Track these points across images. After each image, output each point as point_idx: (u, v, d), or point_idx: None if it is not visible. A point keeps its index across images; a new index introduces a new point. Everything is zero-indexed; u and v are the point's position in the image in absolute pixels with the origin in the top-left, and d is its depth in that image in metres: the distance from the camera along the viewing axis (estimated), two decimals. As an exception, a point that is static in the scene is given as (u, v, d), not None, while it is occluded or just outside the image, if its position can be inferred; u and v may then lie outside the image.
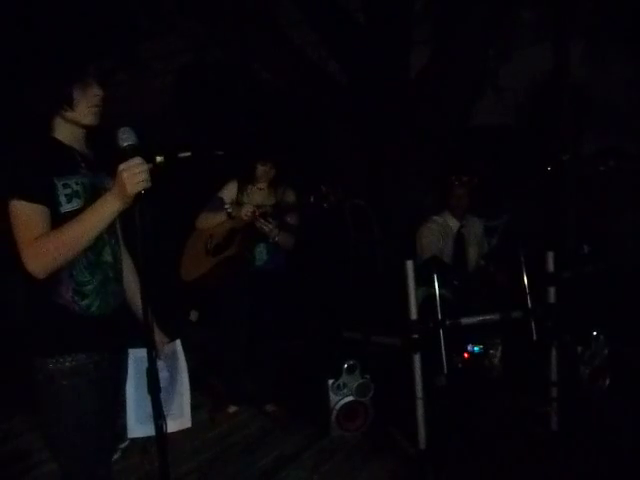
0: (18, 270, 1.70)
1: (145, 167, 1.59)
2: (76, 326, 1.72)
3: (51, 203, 1.65)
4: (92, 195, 1.73)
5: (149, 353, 1.65)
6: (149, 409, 1.67)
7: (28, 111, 1.77)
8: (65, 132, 1.75)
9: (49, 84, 1.69)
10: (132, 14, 6.31)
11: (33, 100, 1.74)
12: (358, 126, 5.78)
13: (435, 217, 4.04)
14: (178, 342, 2.03)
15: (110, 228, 1.78)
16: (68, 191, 1.68)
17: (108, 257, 1.80)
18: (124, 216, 1.78)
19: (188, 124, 8.92)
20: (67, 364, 1.70)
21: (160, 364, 1.91)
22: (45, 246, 1.61)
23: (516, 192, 6.72)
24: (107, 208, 1.62)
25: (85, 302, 1.72)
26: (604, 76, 8.66)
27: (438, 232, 3.95)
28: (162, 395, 1.70)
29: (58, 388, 1.70)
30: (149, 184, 1.59)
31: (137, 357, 1.90)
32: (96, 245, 1.73)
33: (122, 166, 1.57)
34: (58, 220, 1.65)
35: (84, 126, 1.76)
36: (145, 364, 1.68)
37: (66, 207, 1.67)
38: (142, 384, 1.71)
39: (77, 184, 1.71)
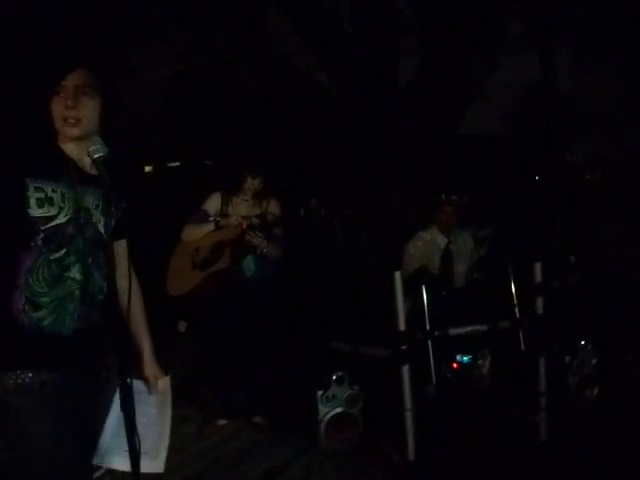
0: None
1: None
2: (23, 341, 1.60)
3: (19, 202, 1.57)
4: (73, 206, 1.65)
5: (122, 386, 1.60)
6: (124, 443, 1.61)
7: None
8: (64, 140, 1.70)
9: (29, 94, 1.70)
10: (121, 22, 6.30)
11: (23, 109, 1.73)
12: (346, 136, 5.80)
13: (422, 233, 4.07)
14: (168, 379, 1.95)
15: (88, 247, 1.69)
16: (40, 195, 1.59)
17: (77, 274, 1.67)
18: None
19: (177, 133, 8.91)
20: (11, 381, 1.58)
21: (150, 399, 1.86)
22: None
23: (503, 201, 6.77)
24: None
25: (37, 314, 1.60)
26: (589, 87, 8.78)
27: (423, 249, 3.98)
28: (142, 430, 1.64)
29: (5, 405, 1.60)
30: None
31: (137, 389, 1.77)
32: (63, 259, 1.64)
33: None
34: (26, 223, 1.58)
35: (67, 137, 1.69)
36: (139, 396, 1.65)
37: (36, 212, 1.59)
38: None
39: (54, 191, 1.62)
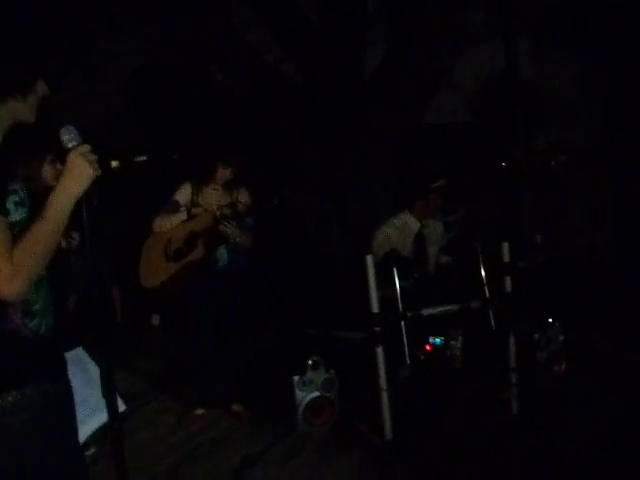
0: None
1: (95, 155, 1.58)
2: (26, 355, 1.53)
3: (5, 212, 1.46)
4: (30, 201, 1.56)
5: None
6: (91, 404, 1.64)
7: None
8: (2, 126, 1.57)
9: (7, 68, 1.55)
10: (82, 14, 6.19)
11: None
12: (314, 127, 5.83)
13: (393, 220, 4.11)
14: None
15: None
16: (16, 198, 1.50)
17: (43, 270, 1.59)
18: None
19: (143, 127, 8.80)
20: (10, 399, 1.49)
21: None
22: (22, 262, 1.42)
23: (470, 187, 6.89)
24: (66, 198, 1.52)
25: (34, 322, 1.55)
26: (553, 74, 8.95)
27: (395, 235, 4.04)
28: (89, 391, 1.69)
29: (4, 428, 1.50)
30: (100, 172, 1.58)
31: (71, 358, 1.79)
32: None
33: (76, 152, 1.55)
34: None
35: (20, 122, 1.61)
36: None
37: (14, 216, 1.48)
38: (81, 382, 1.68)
39: (22, 190, 1.52)
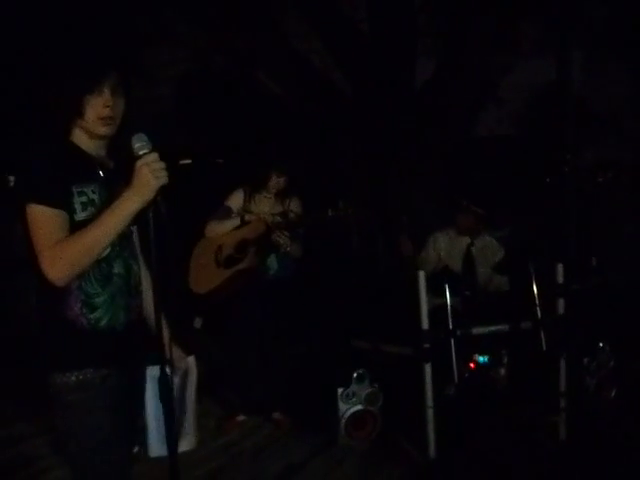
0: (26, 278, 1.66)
1: (163, 163, 1.58)
2: (84, 341, 1.66)
3: (68, 210, 1.61)
4: (107, 204, 1.67)
5: (162, 369, 1.63)
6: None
7: (48, 114, 1.72)
8: (83, 139, 1.73)
9: (62, 92, 1.67)
10: (133, 21, 6.33)
11: (51, 106, 1.71)
12: (362, 137, 5.82)
13: (438, 234, 4.09)
14: (192, 358, 2.00)
15: (123, 241, 1.74)
16: (84, 199, 1.65)
17: (120, 269, 1.74)
18: (142, 228, 1.76)
19: (189, 132, 8.93)
20: (73, 378, 1.65)
21: (176, 381, 1.90)
22: (65, 251, 1.57)
23: (517, 203, 6.76)
24: (126, 207, 1.58)
25: (94, 315, 1.67)
26: (604, 88, 8.76)
27: (443, 242, 4.00)
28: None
29: (65, 403, 1.66)
30: (167, 180, 1.58)
31: (154, 375, 1.81)
32: (108, 256, 1.70)
33: (141, 161, 1.57)
34: (72, 228, 1.61)
35: (98, 136, 1.72)
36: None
37: (81, 215, 1.64)
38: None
39: (93, 192, 1.67)
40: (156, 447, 1.89)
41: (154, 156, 1.58)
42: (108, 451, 1.71)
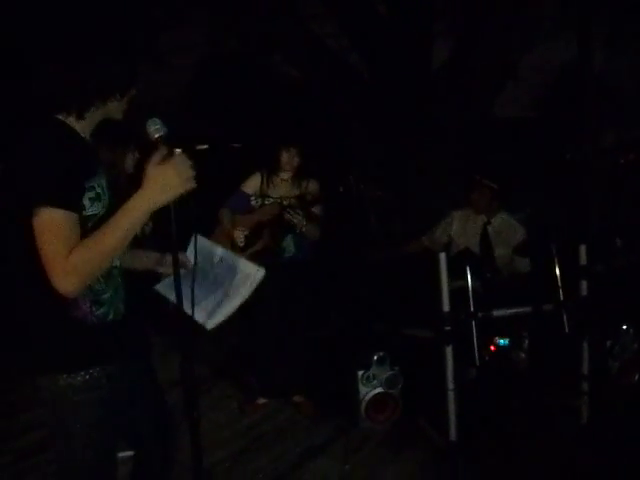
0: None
1: (192, 168, 1.51)
2: (92, 339, 1.61)
3: (80, 209, 1.51)
4: (108, 195, 1.61)
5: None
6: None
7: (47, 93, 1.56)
8: (84, 124, 1.59)
9: (113, 70, 1.57)
10: (148, 7, 6.29)
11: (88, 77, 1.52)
12: (378, 119, 5.76)
13: (454, 213, 4.06)
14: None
15: None
16: (92, 194, 1.54)
17: (116, 262, 1.69)
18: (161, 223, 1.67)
19: (205, 117, 8.92)
20: (79, 379, 1.58)
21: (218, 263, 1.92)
22: (83, 259, 1.44)
23: (536, 184, 6.68)
24: (144, 209, 1.49)
25: (102, 311, 1.62)
26: (625, 68, 8.57)
27: (457, 224, 3.99)
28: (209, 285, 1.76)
29: (69, 404, 1.59)
30: (195, 184, 1.51)
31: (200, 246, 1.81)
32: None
33: (170, 163, 1.49)
34: (80, 224, 1.50)
35: (107, 120, 1.66)
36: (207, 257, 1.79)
37: (88, 211, 1.54)
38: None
39: (98, 186, 1.57)
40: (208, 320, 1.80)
41: (183, 158, 1.51)
42: (103, 449, 1.68)
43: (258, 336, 3.67)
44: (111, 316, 1.65)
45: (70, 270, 1.43)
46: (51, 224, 1.42)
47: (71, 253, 1.43)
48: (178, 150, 1.59)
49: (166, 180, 1.49)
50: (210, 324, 1.79)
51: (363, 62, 6.04)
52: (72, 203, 1.46)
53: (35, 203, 1.43)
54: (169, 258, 1.70)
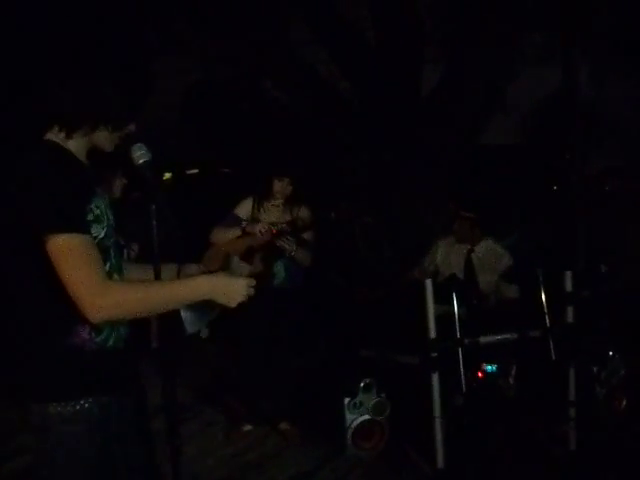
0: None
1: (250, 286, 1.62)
2: (90, 366, 1.54)
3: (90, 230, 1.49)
4: (107, 216, 1.57)
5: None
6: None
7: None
8: (77, 145, 1.57)
9: (111, 101, 1.54)
10: (144, 32, 6.36)
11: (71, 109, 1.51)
12: (367, 145, 5.82)
13: (440, 242, 4.11)
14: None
15: (117, 253, 1.64)
16: (91, 217, 1.50)
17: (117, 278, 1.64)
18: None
19: (196, 141, 8.97)
20: (69, 408, 1.50)
21: None
22: (125, 295, 1.47)
23: (524, 210, 6.74)
24: (200, 292, 1.57)
25: (101, 337, 1.55)
26: (609, 96, 8.74)
27: (442, 252, 4.04)
28: None
29: (54, 434, 1.51)
30: (244, 299, 1.62)
31: None
32: (110, 271, 1.57)
33: (245, 280, 1.63)
34: None
35: (97, 149, 1.63)
36: None
37: (92, 233, 1.51)
38: None
39: (97, 207, 1.53)
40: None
41: (253, 282, 1.63)
42: None
43: (245, 362, 3.64)
44: (111, 342, 1.57)
45: (107, 295, 1.44)
46: (72, 250, 1.41)
47: (119, 285, 1.51)
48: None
49: (232, 290, 1.60)
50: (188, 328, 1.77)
51: (352, 89, 6.12)
52: (85, 225, 1.46)
53: (48, 230, 1.41)
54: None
